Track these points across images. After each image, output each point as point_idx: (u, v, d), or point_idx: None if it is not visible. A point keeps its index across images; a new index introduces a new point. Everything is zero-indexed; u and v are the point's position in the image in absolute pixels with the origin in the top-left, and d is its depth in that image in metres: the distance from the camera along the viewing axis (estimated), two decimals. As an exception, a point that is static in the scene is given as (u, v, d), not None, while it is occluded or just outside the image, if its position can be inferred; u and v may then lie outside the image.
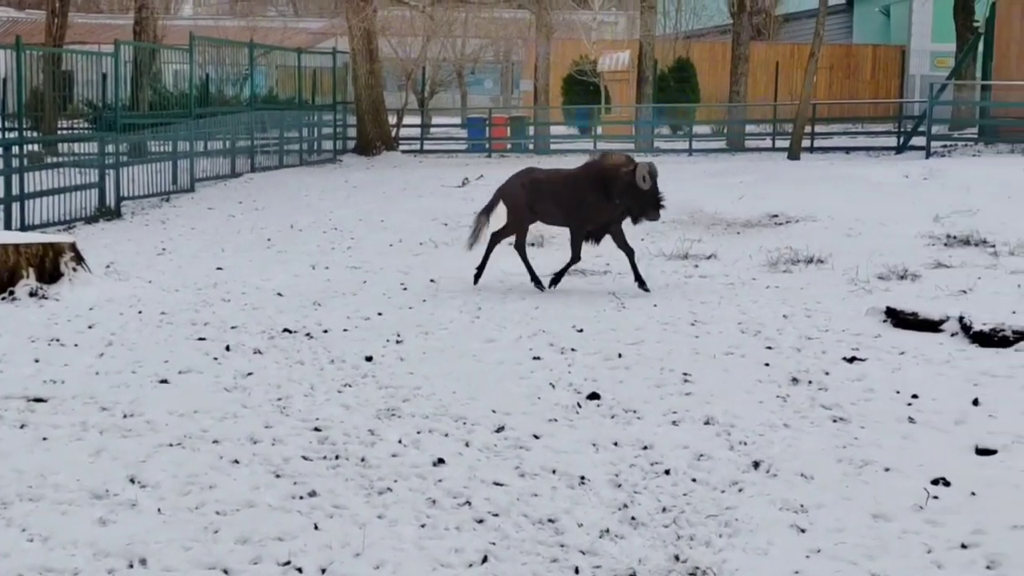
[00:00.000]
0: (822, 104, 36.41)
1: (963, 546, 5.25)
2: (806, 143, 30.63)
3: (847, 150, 31.40)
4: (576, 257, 12.26)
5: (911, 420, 7.15)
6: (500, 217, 12.68)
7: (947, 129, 32.78)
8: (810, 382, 8.03)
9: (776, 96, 40.11)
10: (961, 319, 9.39)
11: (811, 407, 7.45)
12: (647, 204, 11.87)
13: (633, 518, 5.67)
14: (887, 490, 5.91)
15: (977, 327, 9.15)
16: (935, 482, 5.99)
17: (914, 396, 7.64)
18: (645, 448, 6.70)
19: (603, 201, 11.95)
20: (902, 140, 31.32)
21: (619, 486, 6.11)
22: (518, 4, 37.94)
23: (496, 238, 12.72)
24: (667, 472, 6.29)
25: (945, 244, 14.36)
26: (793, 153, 29.00)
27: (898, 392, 7.75)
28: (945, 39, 39.92)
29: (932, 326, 9.54)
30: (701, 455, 6.55)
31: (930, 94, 29.63)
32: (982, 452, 6.55)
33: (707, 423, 7.14)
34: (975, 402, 7.52)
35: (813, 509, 5.68)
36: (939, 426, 7.04)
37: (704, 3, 48.47)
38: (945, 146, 29.81)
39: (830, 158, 29.04)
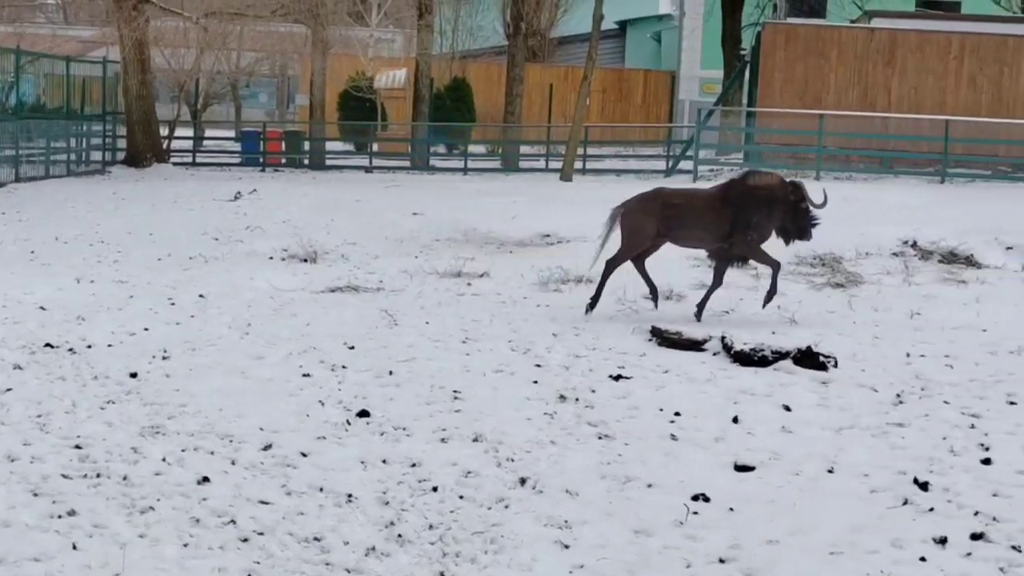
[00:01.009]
0: (594, 127, 37.08)
1: (721, 560, 5.40)
2: (578, 165, 31.07)
3: (618, 172, 31.98)
4: (771, 263, 11.91)
5: (673, 437, 7.32)
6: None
7: (714, 154, 33.68)
8: (577, 399, 8.16)
9: (550, 117, 40.66)
10: (723, 339, 9.66)
11: (578, 424, 7.57)
12: (805, 225, 11.81)
13: (400, 535, 5.66)
14: (649, 506, 6.03)
15: (738, 347, 9.43)
16: (695, 498, 6.14)
17: (677, 414, 7.83)
18: (413, 465, 6.70)
19: (765, 220, 11.69)
20: (671, 164, 32.05)
21: (387, 503, 6.10)
22: (294, 18, 37.55)
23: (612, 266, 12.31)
24: (435, 489, 6.31)
25: (709, 266, 14.66)
26: (566, 174, 29.39)
27: (662, 410, 7.93)
28: (713, 66, 41.04)
29: (695, 345, 9.80)
30: (469, 472, 6.59)
31: (698, 119, 30.47)
32: (740, 468, 6.75)
33: (476, 440, 7.19)
34: (735, 420, 7.75)
35: (577, 525, 5.76)
36: (700, 443, 7.23)
37: (480, 24, 48.84)
38: (712, 170, 30.61)
39: (602, 180, 29.53)
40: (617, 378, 8.82)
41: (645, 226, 12.01)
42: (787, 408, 8.10)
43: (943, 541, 5.66)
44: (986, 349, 10.40)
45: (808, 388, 8.66)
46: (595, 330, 10.72)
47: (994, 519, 6.00)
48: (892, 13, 33.35)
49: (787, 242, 12.08)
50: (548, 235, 17.62)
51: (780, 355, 9.26)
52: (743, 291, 13.01)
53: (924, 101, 30.00)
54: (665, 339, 10.00)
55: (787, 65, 30.55)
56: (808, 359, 9.20)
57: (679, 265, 14.70)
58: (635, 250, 12.11)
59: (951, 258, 15.71)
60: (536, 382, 8.66)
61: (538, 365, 9.25)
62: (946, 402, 8.44)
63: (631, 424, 7.60)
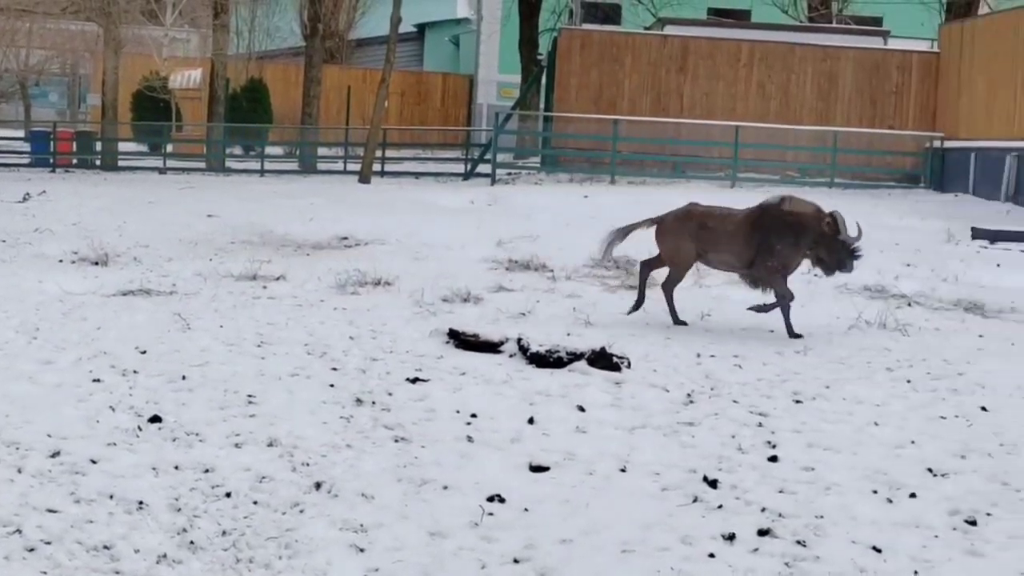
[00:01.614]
0: (393, 129, 37.06)
1: (515, 560, 5.44)
2: (377, 167, 31.03)
3: (417, 175, 32.04)
4: (786, 294, 11.59)
5: (470, 439, 7.35)
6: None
7: (512, 157, 33.96)
8: (374, 403, 8.12)
9: (348, 120, 40.49)
10: (519, 341, 9.72)
11: (374, 428, 7.54)
12: (844, 257, 11.51)
13: (192, 542, 5.57)
14: (445, 508, 6.05)
15: (534, 348, 9.51)
16: (491, 499, 6.18)
17: (473, 415, 7.87)
18: (207, 471, 6.59)
19: (790, 249, 11.45)
20: (469, 167, 32.24)
21: (179, 510, 5.98)
22: (86, 16, 36.69)
23: (648, 268, 12.35)
24: (228, 495, 6.21)
25: (507, 268, 14.88)
26: (364, 177, 29.32)
27: (458, 412, 7.95)
28: (511, 70, 41.40)
29: (492, 347, 9.85)
30: (263, 477, 6.51)
31: (496, 123, 30.70)
32: (536, 469, 6.81)
33: (270, 445, 7.10)
34: (531, 421, 7.81)
35: (373, 528, 5.74)
36: (496, 444, 7.27)
37: (278, 25, 48.33)
38: (510, 174, 30.90)
39: (400, 182, 29.56)
40: (414, 381, 8.82)
41: (682, 246, 11.93)
42: (581, 409, 8.21)
43: (731, 537, 5.80)
44: (773, 349, 10.70)
45: (602, 389, 8.79)
46: (392, 333, 10.69)
47: (780, 515, 6.17)
48: (684, 20, 34.10)
49: (827, 274, 12.01)
50: (346, 237, 17.55)
51: (575, 356, 9.37)
52: (540, 293, 13.14)
53: (715, 107, 30.75)
54: (462, 341, 10.03)
55: (583, 70, 30.98)
56: (602, 360, 9.34)
57: (477, 268, 14.79)
58: (684, 269, 12.14)
59: (741, 260, 16.07)
60: (332, 386, 8.60)
61: (335, 368, 9.19)
62: (735, 401, 8.66)
63: (428, 427, 7.61)
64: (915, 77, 31.08)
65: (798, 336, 11.33)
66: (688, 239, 11.88)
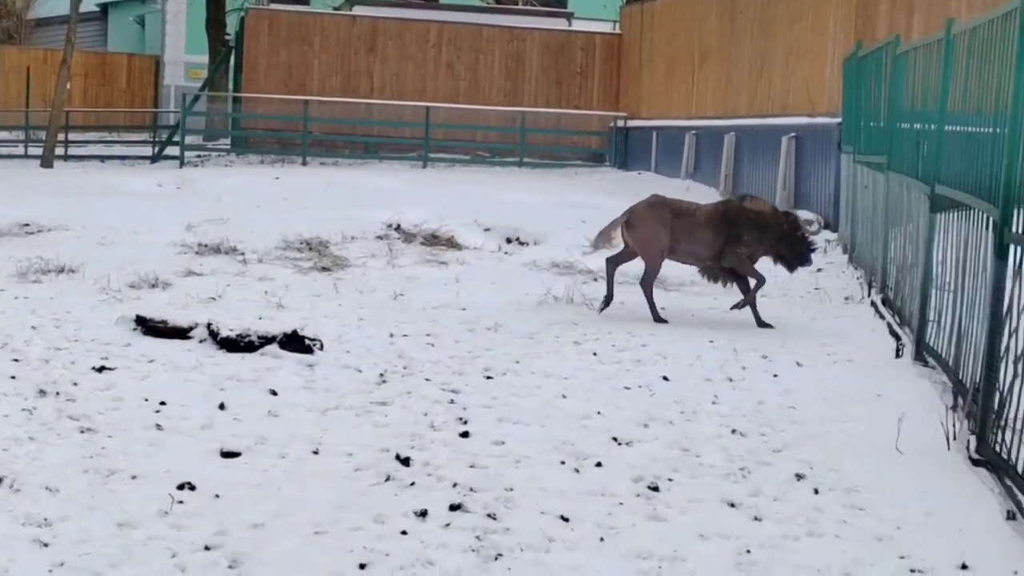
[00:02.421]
0: (77, 112, 35.87)
1: (207, 547, 5.37)
2: (60, 151, 29.95)
3: (103, 159, 31.05)
4: (759, 277, 11.96)
5: (159, 427, 7.22)
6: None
7: (202, 139, 33.35)
8: (58, 393, 7.87)
9: (28, 103, 38.96)
10: (209, 326, 9.59)
11: (59, 419, 7.31)
12: (804, 251, 11.93)
13: None
14: (134, 498, 5.92)
15: (224, 333, 9.39)
16: (181, 487, 6.08)
17: (162, 403, 7.72)
18: None
19: (756, 243, 11.84)
20: (157, 150, 31.46)
21: None
22: None
23: (615, 264, 12.34)
24: (-99, 496, 5.93)
25: (197, 252, 14.64)
26: (46, 161, 28.25)
27: (147, 400, 7.80)
28: (199, 51, 40.62)
29: (181, 333, 9.67)
30: (-61, 475, 6.23)
31: (183, 105, 30.08)
32: (227, 455, 6.74)
33: (-53, 442, 6.81)
34: (222, 406, 7.73)
35: (58, 522, 5.57)
36: (186, 431, 7.16)
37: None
38: (199, 156, 30.36)
39: (85, 166, 28.61)
40: (100, 370, 8.59)
41: (658, 235, 11.92)
42: (274, 392, 8.16)
43: (424, 514, 5.87)
44: (465, 327, 10.87)
45: (294, 372, 8.76)
46: (77, 321, 10.38)
47: (471, 490, 6.28)
48: (374, 1, 34.09)
49: (790, 270, 12.33)
50: (27, 224, 16.87)
51: (267, 340, 9.31)
52: (230, 277, 12.97)
53: (406, 88, 30.91)
54: (150, 328, 9.81)
55: (271, 51, 30.69)
56: (294, 343, 9.30)
57: (166, 252, 14.50)
58: (659, 260, 12.11)
59: (433, 240, 16.31)
60: (14, 377, 8.28)
61: (16, 360, 8.85)
62: (427, 379, 8.76)
63: (115, 416, 7.43)
64: (599, 58, 31.93)
65: (768, 326, 11.63)
66: (662, 228, 11.97)
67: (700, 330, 11.28)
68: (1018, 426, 6.49)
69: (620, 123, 30.64)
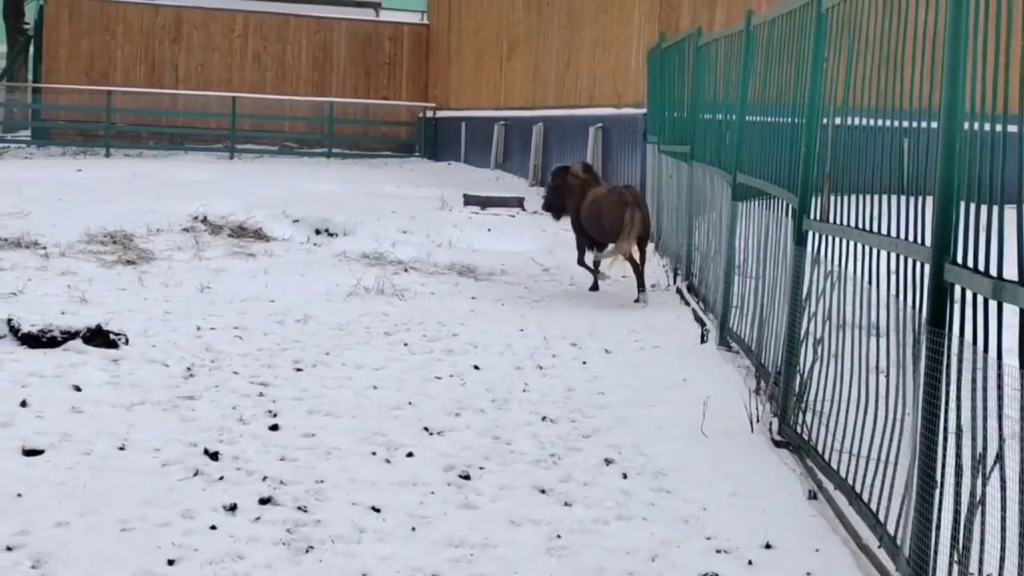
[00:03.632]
0: None
1: (9, 548, 5.23)
2: None
3: None
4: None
5: (-44, 427, 7.00)
6: None
7: (1, 131, 32.42)
8: None
9: None
10: (9, 321, 9.31)
11: None
12: None
13: None
14: (-70, 500, 5.73)
15: (26, 329, 9.13)
16: (-19, 487, 5.92)
17: (-40, 402, 7.49)
18: None
19: None
20: (-47, 141, 30.49)
21: None
22: None
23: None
24: None
25: (-4, 246, 14.21)
26: None
27: (-58, 399, 7.55)
28: None
29: (-20, 330, 9.38)
30: None
31: (-22, 95, 29.19)
32: (29, 453, 6.56)
33: None
34: (23, 403, 7.51)
35: None
36: (-14, 430, 6.96)
37: None
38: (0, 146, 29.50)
39: None
40: None
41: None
42: (77, 388, 7.97)
43: (233, 508, 5.81)
44: (274, 319, 10.77)
45: (99, 367, 8.56)
46: None
47: (282, 483, 6.23)
48: (177, -10, 33.53)
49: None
50: None
51: (70, 335, 9.08)
52: (31, 271, 12.63)
53: (211, 78, 30.49)
54: (-54, 325, 9.51)
55: (72, 40, 29.98)
56: (99, 337, 9.09)
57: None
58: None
59: (240, 232, 16.10)
60: None
61: None
62: (236, 372, 8.66)
63: (-91, 416, 7.18)
64: (407, 48, 31.93)
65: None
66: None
67: (511, 319, 11.36)
68: (818, 408, 6.70)
69: (429, 114, 30.70)
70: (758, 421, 7.50)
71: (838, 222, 6.41)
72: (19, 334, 9.14)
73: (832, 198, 6.74)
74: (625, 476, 6.63)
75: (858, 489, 5.73)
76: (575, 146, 22.30)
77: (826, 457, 6.37)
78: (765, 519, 5.94)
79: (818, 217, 6.97)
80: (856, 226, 6.02)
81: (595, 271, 13.21)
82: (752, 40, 9.55)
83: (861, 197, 6.05)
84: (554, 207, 13.63)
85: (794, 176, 7.44)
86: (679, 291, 12.71)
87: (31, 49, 33.33)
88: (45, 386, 8.00)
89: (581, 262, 13.31)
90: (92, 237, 14.92)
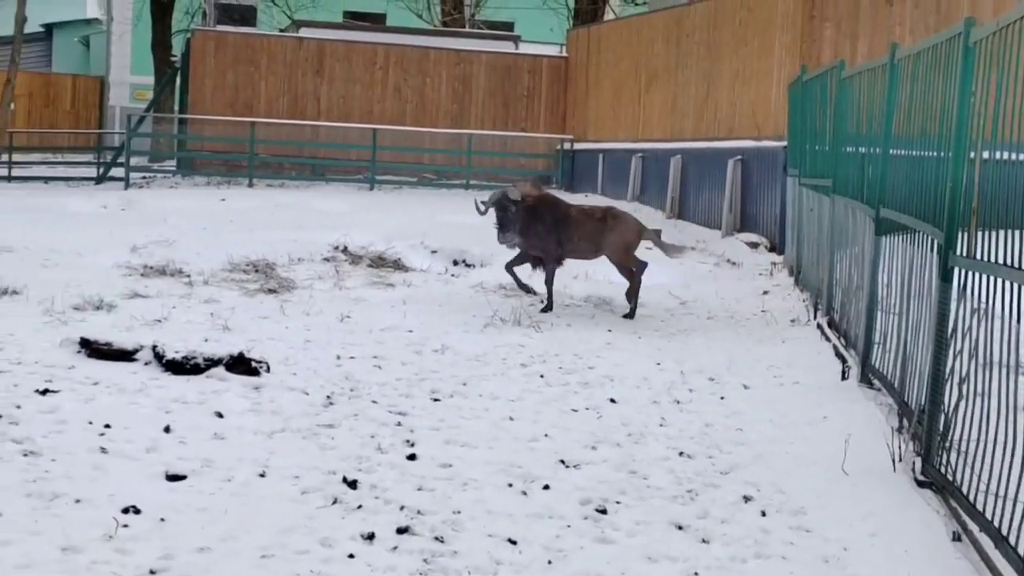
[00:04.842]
0: (20, 133, 35.57)
1: (152, 572, 5.32)
2: (3, 172, 29.70)
3: (46, 180, 30.79)
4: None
5: (103, 450, 7.14)
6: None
7: (147, 161, 33.17)
8: (0, 416, 7.78)
9: (-29, 122, 38.63)
10: (155, 348, 9.51)
11: (1, 442, 7.22)
12: None
13: None
14: (78, 522, 5.86)
15: (170, 355, 9.32)
16: (126, 510, 6.03)
17: (107, 426, 7.64)
18: None
19: None
20: (102, 171, 31.23)
21: None
22: None
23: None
24: None
25: (142, 274, 14.52)
26: (-10, 182, 28.07)
27: (91, 423, 7.71)
28: (144, 72, 40.43)
29: (126, 355, 9.58)
30: None
31: (128, 126, 29.87)
32: (172, 478, 6.69)
33: None
34: (167, 429, 7.66)
35: (1, 546, 5.50)
36: (131, 455, 7.09)
37: None
38: (145, 177, 30.16)
39: (28, 188, 28.36)
40: (44, 392, 8.49)
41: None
42: (219, 415, 8.11)
43: (371, 537, 5.85)
44: (412, 349, 10.84)
45: (240, 394, 8.70)
46: (20, 344, 10.25)
47: (419, 512, 6.27)
48: (320, 23, 34.08)
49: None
50: (-31, 246, 16.70)
51: (213, 362, 9.24)
52: (176, 299, 12.88)
53: (352, 110, 30.83)
54: (95, 350, 9.71)
55: (218, 72, 30.53)
56: (240, 365, 9.25)
57: (111, 274, 14.38)
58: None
59: (380, 262, 16.27)
60: (-45, 401, 8.20)
61: (-43, 383, 8.76)
62: (374, 401, 8.74)
63: (58, 439, 7.34)
64: (545, 81, 32.00)
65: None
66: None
67: (648, 352, 11.31)
68: (963, 448, 6.55)
69: (567, 145, 30.71)
70: (900, 460, 7.36)
71: (985, 258, 6.27)
72: (163, 360, 9.33)
73: (979, 233, 6.59)
74: (764, 514, 6.55)
75: (1004, 532, 5.58)
76: (713, 179, 22.16)
77: (971, 498, 6.22)
78: (908, 560, 5.82)
79: (965, 253, 6.83)
80: (1005, 263, 5.88)
81: (523, 284, 13.96)
82: (896, 73, 9.41)
83: (1010, 232, 5.91)
84: (513, 230, 13.33)
85: (940, 211, 7.30)
86: (819, 326, 12.53)
87: (178, 80, 34.07)
88: (188, 412, 8.14)
89: (509, 269, 13.98)
90: (235, 266, 15.18)
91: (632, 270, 13.43)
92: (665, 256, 13.99)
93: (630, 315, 13.27)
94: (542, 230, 13.28)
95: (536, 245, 13.40)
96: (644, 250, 13.97)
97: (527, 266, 13.75)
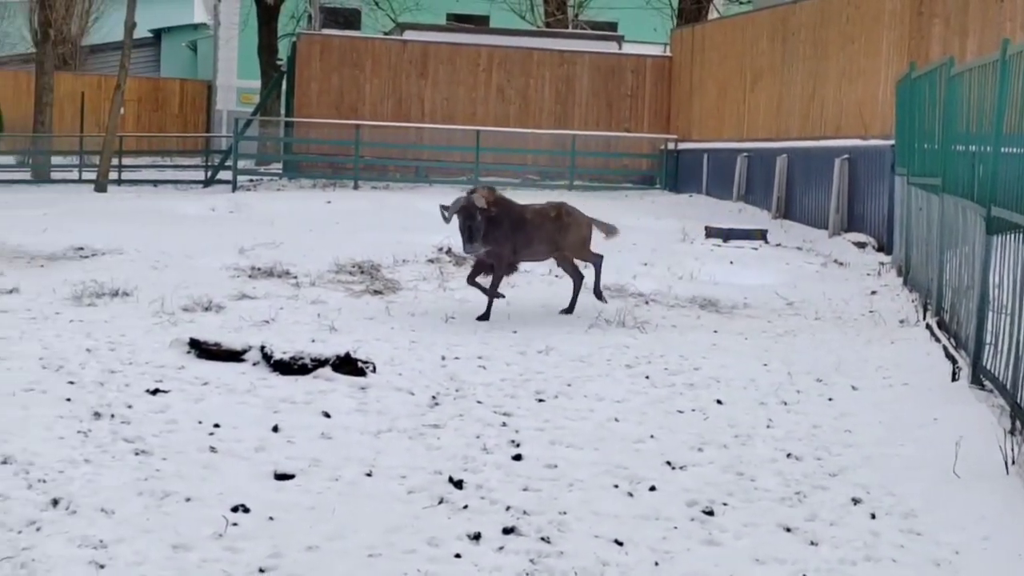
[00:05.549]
0: (130, 137, 36.19)
1: (261, 570, 5.38)
2: (114, 175, 30.26)
3: (155, 183, 31.33)
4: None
5: (213, 449, 7.24)
6: None
7: (254, 164, 33.58)
8: (113, 416, 7.92)
9: (83, 127, 39.37)
10: (263, 348, 9.62)
11: (113, 441, 7.35)
12: None
13: (-80, 568, 5.34)
14: (188, 520, 5.94)
15: (278, 356, 9.42)
16: (235, 509, 6.10)
17: (216, 425, 7.75)
18: (-66, 493, 6.32)
19: None
20: (210, 174, 31.70)
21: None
22: None
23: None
24: (-42, 517, 5.97)
25: (250, 276, 14.69)
26: (100, 186, 28.56)
27: (200, 422, 7.82)
28: (250, 76, 40.97)
29: (235, 356, 9.70)
30: (-2, 496, 6.28)
31: (235, 129, 30.26)
32: (280, 477, 6.76)
33: (4, 462, 6.84)
34: (275, 429, 7.75)
35: (113, 544, 5.59)
36: (240, 454, 7.18)
37: (7, 30, 46.73)
38: (252, 180, 30.54)
39: (138, 191, 28.87)
40: (155, 392, 8.63)
41: None
42: (327, 415, 8.18)
43: (477, 537, 5.86)
44: (516, 349, 10.85)
45: (347, 394, 8.77)
46: (132, 344, 10.43)
47: (525, 512, 6.26)
48: (424, 26, 34.24)
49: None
50: (82, 248, 17.02)
51: (319, 362, 9.32)
52: (283, 300, 13.02)
53: (456, 111, 30.96)
54: (204, 350, 9.85)
55: (323, 75, 30.82)
56: (347, 365, 9.32)
57: (219, 276, 14.56)
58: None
59: (485, 263, 16.26)
60: (69, 400, 8.34)
61: (71, 382, 8.91)
62: (479, 402, 8.76)
63: (169, 438, 7.46)
64: (649, 80, 31.88)
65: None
66: None
67: (754, 353, 11.21)
68: (1079, 450, 6.41)
69: (671, 146, 30.57)
70: (1014, 463, 7.21)
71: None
72: (271, 361, 9.43)
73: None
74: (873, 516, 6.46)
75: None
76: (820, 178, 21.94)
77: (1089, 503, 6.09)
78: (1021, 564, 5.71)
79: (1080, 252, 6.68)
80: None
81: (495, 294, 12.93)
82: (1008, 70, 9.24)
83: None
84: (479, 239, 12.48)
85: (1054, 209, 7.15)
86: (928, 327, 12.34)
87: (283, 84, 34.46)
88: (296, 412, 8.23)
89: (472, 281, 13.01)
90: (341, 267, 15.31)
91: (584, 265, 13.51)
92: (605, 239, 13.81)
93: (569, 310, 13.07)
94: (500, 236, 12.54)
95: (493, 252, 12.62)
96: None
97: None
